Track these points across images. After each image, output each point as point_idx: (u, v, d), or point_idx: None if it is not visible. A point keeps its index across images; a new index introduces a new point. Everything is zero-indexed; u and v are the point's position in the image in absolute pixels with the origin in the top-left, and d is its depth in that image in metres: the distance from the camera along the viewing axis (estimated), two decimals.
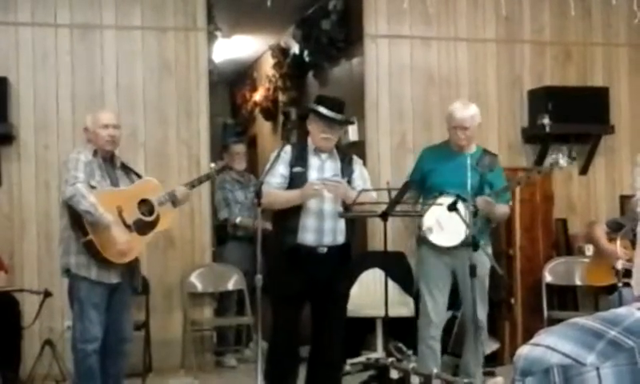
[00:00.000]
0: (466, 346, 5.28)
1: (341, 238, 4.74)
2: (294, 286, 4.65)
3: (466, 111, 5.12)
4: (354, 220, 4.92)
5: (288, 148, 4.86)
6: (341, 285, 4.86)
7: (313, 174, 4.72)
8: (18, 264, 6.09)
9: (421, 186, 5.24)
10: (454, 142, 5.15)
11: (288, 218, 4.70)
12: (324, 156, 4.79)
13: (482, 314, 5.10)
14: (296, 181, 4.69)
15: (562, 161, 5.05)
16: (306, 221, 4.67)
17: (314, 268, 4.66)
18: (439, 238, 5.07)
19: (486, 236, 5.19)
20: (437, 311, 5.15)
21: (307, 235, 4.67)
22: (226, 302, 6.84)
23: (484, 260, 5.03)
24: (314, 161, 4.76)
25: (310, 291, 4.73)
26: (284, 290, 4.71)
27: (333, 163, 4.81)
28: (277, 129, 9.96)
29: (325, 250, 4.69)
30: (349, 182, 4.78)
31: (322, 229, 4.68)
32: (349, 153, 5.12)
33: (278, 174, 4.72)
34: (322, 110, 4.73)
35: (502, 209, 5.17)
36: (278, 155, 4.72)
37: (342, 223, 4.72)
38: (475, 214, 4.88)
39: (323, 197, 4.68)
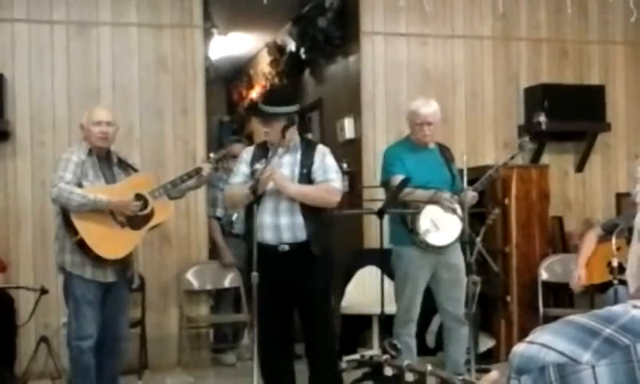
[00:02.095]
0: (452, 344, 5.32)
1: (302, 235, 4.61)
2: (262, 286, 4.51)
3: (430, 108, 5.24)
4: (318, 216, 4.68)
5: (250, 148, 4.90)
6: (314, 284, 4.65)
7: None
8: (13, 261, 6.07)
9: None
10: (419, 138, 5.23)
11: (248, 217, 4.65)
12: (281, 151, 4.68)
13: (462, 309, 5.20)
14: (255, 177, 4.59)
15: (530, 145, 5.51)
16: (263, 219, 4.58)
17: (278, 267, 4.57)
18: (437, 238, 5.10)
19: None
20: (416, 310, 5.20)
21: (266, 233, 4.59)
22: (222, 300, 6.83)
23: (461, 254, 5.13)
24: (272, 157, 4.66)
25: (281, 290, 4.62)
26: (257, 289, 4.56)
27: (291, 157, 4.71)
28: None
29: (286, 247, 4.59)
30: (308, 174, 4.67)
31: (278, 226, 4.59)
32: (313, 143, 4.98)
33: (239, 173, 4.72)
34: (259, 105, 4.74)
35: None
36: (240, 156, 4.81)
37: (299, 219, 4.60)
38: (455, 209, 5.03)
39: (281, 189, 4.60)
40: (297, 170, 4.67)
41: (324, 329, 4.78)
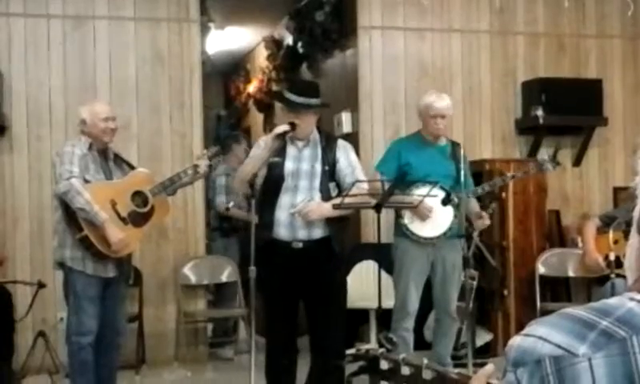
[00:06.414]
0: (439, 337, 5.35)
1: (317, 232, 4.48)
2: (272, 282, 4.47)
3: (444, 101, 5.27)
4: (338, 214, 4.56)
5: (263, 138, 4.75)
6: (328, 281, 4.54)
7: (289, 164, 4.51)
8: (10, 255, 6.07)
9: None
10: (433, 132, 5.24)
11: (264, 212, 4.52)
12: (300, 144, 4.54)
13: (452, 305, 5.23)
14: (273, 171, 4.49)
15: (549, 165, 5.50)
16: (279, 215, 4.47)
17: (290, 264, 4.47)
18: (421, 229, 5.11)
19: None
20: (413, 303, 5.20)
21: (281, 230, 4.47)
22: (223, 294, 6.83)
23: (460, 252, 5.12)
24: (290, 150, 4.52)
25: (290, 287, 4.51)
26: (265, 285, 4.51)
27: (311, 151, 4.55)
28: (271, 121, 9.93)
29: (300, 244, 4.46)
30: (332, 173, 4.54)
31: (294, 223, 4.45)
32: (333, 137, 4.82)
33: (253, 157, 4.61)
34: (287, 94, 4.57)
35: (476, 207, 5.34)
36: (257, 143, 4.68)
37: None
38: (458, 206, 5.04)
39: (300, 160, 4.50)
40: (318, 167, 4.52)
41: (335, 326, 4.60)
